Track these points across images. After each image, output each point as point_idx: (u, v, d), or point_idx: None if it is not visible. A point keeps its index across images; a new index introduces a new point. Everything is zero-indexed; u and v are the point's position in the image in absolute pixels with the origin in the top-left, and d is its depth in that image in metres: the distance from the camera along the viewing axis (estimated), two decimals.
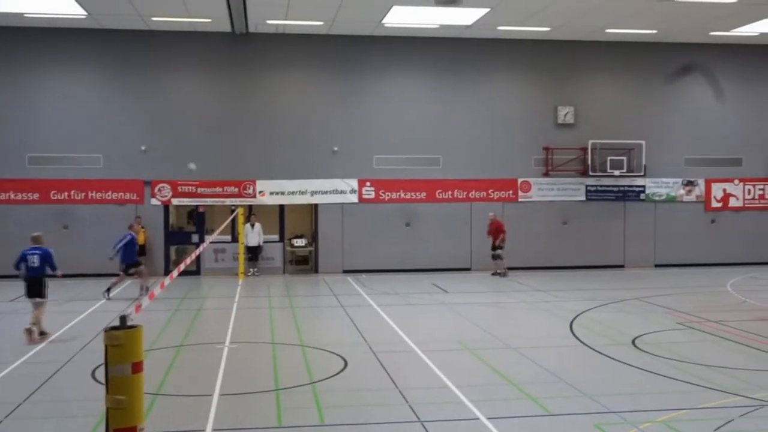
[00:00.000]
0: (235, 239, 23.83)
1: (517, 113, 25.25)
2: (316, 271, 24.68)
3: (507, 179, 25.16)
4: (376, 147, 24.56)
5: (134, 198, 23.53)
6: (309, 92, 24.57)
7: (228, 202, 24.10)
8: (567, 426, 8.85)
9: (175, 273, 11.07)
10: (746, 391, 10.06)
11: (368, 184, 24.52)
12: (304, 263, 25.37)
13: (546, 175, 25.32)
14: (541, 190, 25.35)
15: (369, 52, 24.53)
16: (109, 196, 23.43)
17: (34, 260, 13.89)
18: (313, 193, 24.32)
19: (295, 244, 24.82)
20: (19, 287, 14.63)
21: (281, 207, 24.75)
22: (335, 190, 24.36)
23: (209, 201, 24.07)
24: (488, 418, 8.94)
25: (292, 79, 24.59)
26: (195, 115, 23.86)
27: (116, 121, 23.48)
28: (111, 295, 18.86)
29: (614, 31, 23.92)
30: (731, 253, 26.11)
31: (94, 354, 12.17)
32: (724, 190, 26.33)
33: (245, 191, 24.01)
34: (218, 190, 23.91)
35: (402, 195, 24.68)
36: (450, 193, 24.90)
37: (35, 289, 13.80)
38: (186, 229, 25.10)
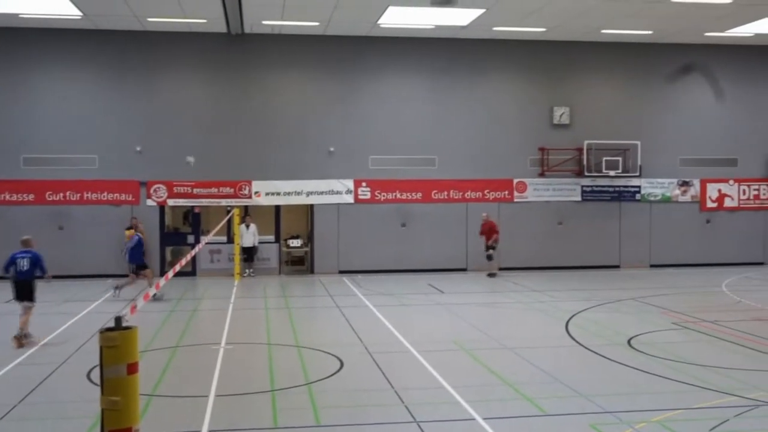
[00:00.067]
0: (230, 240, 23.82)
1: (513, 114, 25.28)
2: (311, 271, 24.67)
3: (503, 180, 25.18)
4: (371, 147, 24.56)
5: (130, 199, 23.50)
6: (305, 93, 24.56)
7: (224, 202, 24.08)
8: (563, 426, 8.85)
9: (170, 274, 11.06)
10: (742, 391, 10.08)
11: (364, 184, 24.52)
12: (300, 264, 25.37)
13: (542, 175, 25.35)
14: (537, 190, 25.37)
15: (365, 53, 24.53)
16: (104, 197, 23.39)
17: (24, 264, 13.70)
18: (308, 193, 24.31)
19: (291, 245, 24.81)
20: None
21: (277, 208, 24.74)
22: (331, 191, 24.36)
23: (205, 202, 24.05)
24: (484, 419, 8.94)
25: (288, 80, 24.58)
26: (190, 116, 23.84)
27: (112, 122, 23.45)
28: (120, 294, 18.77)
29: (610, 32, 23.96)
30: (726, 253, 26.16)
31: (89, 355, 12.14)
32: (719, 191, 26.38)
33: (241, 192, 24.00)
34: (214, 190, 23.89)
35: (398, 195, 24.69)
36: (446, 193, 24.91)
37: (25, 293, 13.65)
38: (182, 230, 25.08)
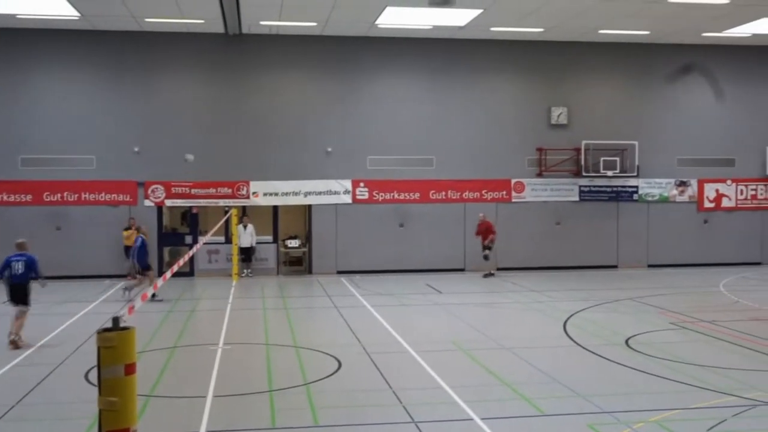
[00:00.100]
0: (228, 240, 23.82)
1: (511, 114, 25.29)
2: (309, 272, 24.67)
3: (500, 180, 25.19)
4: (369, 148, 24.57)
5: (127, 199, 23.48)
6: (302, 93, 24.55)
7: (221, 203, 24.07)
8: (561, 426, 8.86)
9: (168, 274, 11.05)
10: (739, 391, 10.09)
11: (362, 184, 24.52)
12: (298, 264, 25.36)
13: (539, 175, 25.36)
14: (535, 190, 25.38)
15: (362, 53, 24.53)
16: (102, 197, 23.37)
17: (19, 267, 13.57)
18: (306, 194, 24.31)
19: (289, 245, 24.81)
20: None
21: (275, 208, 24.74)
22: (329, 191, 24.36)
23: (203, 202, 24.04)
24: (482, 419, 8.95)
25: (286, 80, 24.57)
26: (188, 116, 23.83)
27: (109, 123, 23.43)
28: (129, 294, 18.71)
29: (607, 32, 23.97)
30: (724, 253, 26.19)
31: (87, 356, 12.13)
32: (717, 191, 26.41)
33: (239, 192, 23.99)
34: (212, 191, 23.88)
35: (396, 196, 24.69)
36: (444, 193, 24.92)
37: (19, 296, 13.51)
38: (179, 231, 25.06)
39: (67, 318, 16.23)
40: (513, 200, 25.30)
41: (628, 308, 17.38)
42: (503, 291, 20.63)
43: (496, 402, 9.82)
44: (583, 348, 13.04)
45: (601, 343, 13.39)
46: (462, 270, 24.81)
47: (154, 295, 17.85)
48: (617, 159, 25.19)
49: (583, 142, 25.18)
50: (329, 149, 24.35)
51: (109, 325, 5.55)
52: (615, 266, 25.80)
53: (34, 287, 13.76)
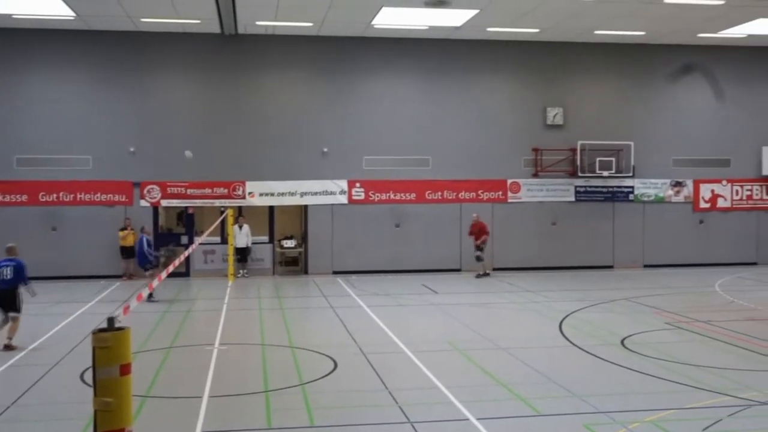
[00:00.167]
0: (224, 241, 23.79)
1: (507, 114, 25.30)
2: (305, 272, 24.66)
3: (496, 180, 25.20)
4: (365, 148, 24.56)
5: (123, 200, 23.44)
6: (298, 93, 24.55)
7: (217, 203, 24.04)
8: (557, 426, 8.87)
9: (163, 275, 11.05)
10: (735, 391, 10.11)
11: (358, 185, 24.52)
12: (294, 264, 25.34)
13: (535, 176, 25.38)
14: (531, 190, 25.40)
15: (358, 54, 24.53)
16: (98, 197, 23.33)
17: (7, 272, 13.28)
18: (302, 194, 24.29)
19: (285, 246, 24.80)
20: None
21: (271, 208, 24.72)
22: (325, 191, 24.35)
23: (198, 202, 24.01)
24: (478, 419, 8.95)
25: (282, 81, 24.57)
26: (184, 117, 23.81)
27: (105, 123, 23.39)
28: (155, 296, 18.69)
29: (603, 33, 24.00)
30: (719, 253, 26.23)
31: (82, 356, 12.11)
32: (712, 191, 26.45)
33: (235, 192, 23.97)
34: (208, 191, 23.85)
35: (392, 196, 24.69)
36: (440, 194, 24.92)
37: (8, 302, 13.28)
38: (175, 231, 25.02)
39: (63, 318, 16.20)
40: (509, 200, 25.31)
41: (624, 308, 17.41)
42: (499, 291, 20.64)
43: (492, 402, 9.82)
44: (579, 348, 13.05)
45: (597, 343, 13.40)
46: (458, 270, 24.81)
47: (150, 296, 17.84)
48: (613, 159, 25.22)
49: (579, 143, 25.21)
50: (325, 149, 24.35)
51: (105, 325, 5.54)
52: (611, 266, 25.83)
53: (25, 295, 13.59)
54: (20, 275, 13.38)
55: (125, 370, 5.51)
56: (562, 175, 25.49)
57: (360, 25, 22.88)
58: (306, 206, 24.55)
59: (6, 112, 22.99)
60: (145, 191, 23.52)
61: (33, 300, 14.04)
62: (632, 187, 25.87)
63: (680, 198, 26.28)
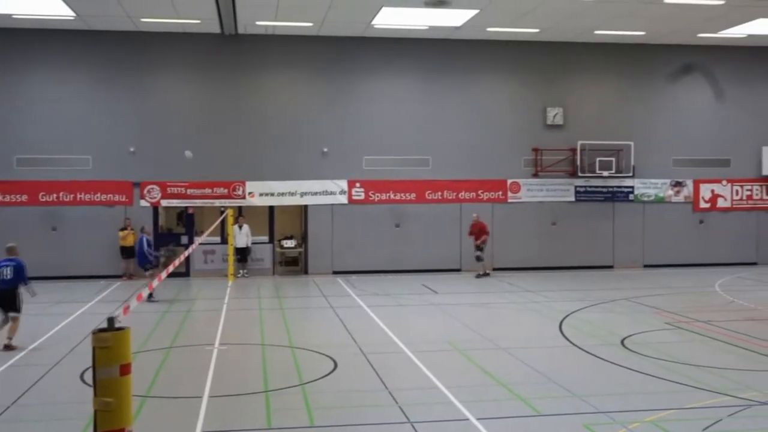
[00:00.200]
0: (224, 241, 23.79)
1: (507, 114, 25.30)
2: (305, 272, 24.66)
3: (496, 180, 25.20)
4: (365, 148, 24.56)
5: (123, 200, 23.44)
6: (299, 93, 24.56)
7: (217, 203, 24.04)
8: (557, 426, 8.87)
9: (163, 275, 11.05)
10: (735, 391, 10.11)
11: (358, 185, 24.52)
12: (294, 264, 25.34)
13: (535, 175, 25.38)
14: (531, 190, 25.40)
15: (359, 54, 24.53)
16: (98, 197, 23.33)
17: (7, 272, 13.26)
18: (302, 194, 24.29)
19: (285, 246, 24.80)
20: None
21: (271, 208, 24.72)
22: (325, 191, 24.34)
23: (198, 202, 24.01)
24: (478, 419, 8.95)
25: (282, 81, 24.57)
26: (184, 117, 23.81)
27: (105, 123, 23.39)
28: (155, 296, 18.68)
29: (603, 33, 24.00)
30: (719, 253, 26.23)
31: (82, 356, 12.11)
32: (712, 191, 26.45)
33: (235, 192, 23.97)
34: (207, 191, 23.85)
35: (392, 196, 24.69)
36: (440, 194, 24.92)
37: (9, 302, 13.26)
38: (175, 231, 25.02)
39: (63, 318, 16.20)
40: (509, 200, 25.31)
41: (624, 308, 17.40)
42: (499, 291, 20.64)
43: (492, 402, 9.82)
44: (579, 348, 13.05)
45: (597, 343, 13.40)
46: (458, 270, 24.81)
47: (150, 296, 17.85)
48: (613, 159, 25.22)
49: (579, 143, 25.21)
50: (325, 149, 24.35)
51: (105, 325, 5.54)
52: (611, 266, 25.83)
53: (25, 295, 13.58)
54: (20, 275, 13.36)
55: (125, 370, 5.51)
56: (562, 175, 25.49)
57: (360, 25, 22.88)
58: (306, 206, 24.55)
59: (6, 112, 22.99)
60: (145, 191, 23.52)
61: (33, 300, 14.04)
62: (632, 187, 25.87)
63: (680, 198, 26.28)
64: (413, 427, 8.79)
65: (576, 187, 25.64)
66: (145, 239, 19.91)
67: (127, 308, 6.74)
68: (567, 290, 20.52)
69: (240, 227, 23.65)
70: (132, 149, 23.43)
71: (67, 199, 23.14)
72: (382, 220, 24.64)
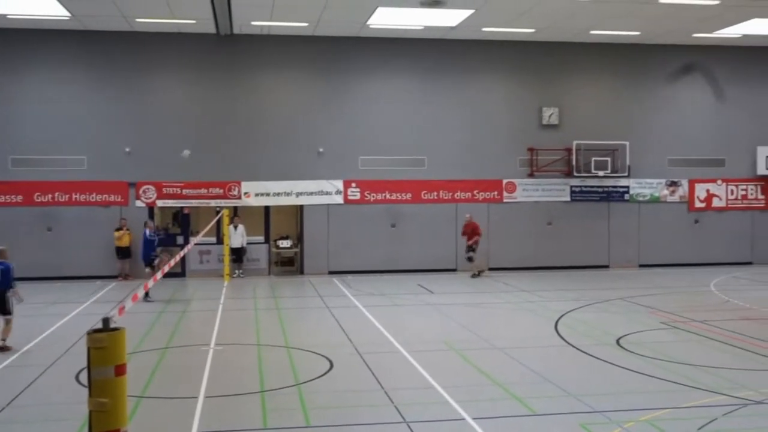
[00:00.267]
0: (220, 241, 23.77)
1: (502, 114, 25.32)
2: (301, 272, 24.65)
3: (492, 180, 25.22)
4: (361, 148, 24.56)
5: (119, 200, 23.41)
6: (294, 93, 24.55)
7: (213, 203, 24.02)
8: (552, 426, 8.87)
9: (159, 275, 11.04)
10: (730, 390, 10.13)
11: (354, 185, 24.52)
12: (290, 264, 25.32)
13: (531, 175, 25.40)
14: (526, 190, 25.42)
15: (354, 54, 24.53)
16: (93, 198, 23.29)
17: None
18: (298, 194, 24.28)
19: (281, 246, 24.78)
20: None
21: (266, 208, 24.71)
22: (321, 192, 24.34)
23: (194, 202, 23.99)
24: (474, 419, 8.96)
25: (278, 81, 24.55)
26: (180, 117, 23.78)
27: (100, 123, 23.36)
28: (149, 297, 18.60)
29: (599, 33, 24.04)
30: (714, 253, 26.28)
31: (78, 357, 12.08)
32: (708, 191, 26.50)
33: (230, 193, 23.95)
34: (203, 191, 23.83)
35: (387, 196, 24.69)
36: (435, 194, 24.93)
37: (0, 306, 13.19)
38: (171, 231, 24.99)
39: (58, 319, 16.16)
40: (504, 200, 25.33)
41: (619, 308, 17.43)
42: (495, 291, 20.65)
43: (488, 402, 9.83)
44: (575, 348, 13.07)
45: (593, 342, 13.42)
46: (454, 270, 24.82)
47: (147, 294, 17.84)
48: (608, 159, 25.26)
49: (575, 143, 25.24)
50: (321, 150, 24.34)
51: (100, 326, 5.53)
52: (606, 266, 25.86)
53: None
54: (6, 279, 13.18)
55: (120, 370, 5.49)
56: (558, 174, 25.52)
57: (355, 25, 22.88)
58: (302, 206, 24.54)
59: (1, 112, 22.93)
60: (140, 191, 23.49)
61: (29, 301, 14.02)
62: (627, 186, 25.91)
63: (675, 198, 26.33)
64: (409, 426, 8.79)
65: (571, 186, 25.67)
66: (147, 232, 19.87)
67: (122, 308, 6.74)
68: (562, 290, 20.54)
69: (235, 227, 23.63)
70: (127, 149, 23.39)
71: (63, 200, 23.11)
72: (377, 220, 24.64)
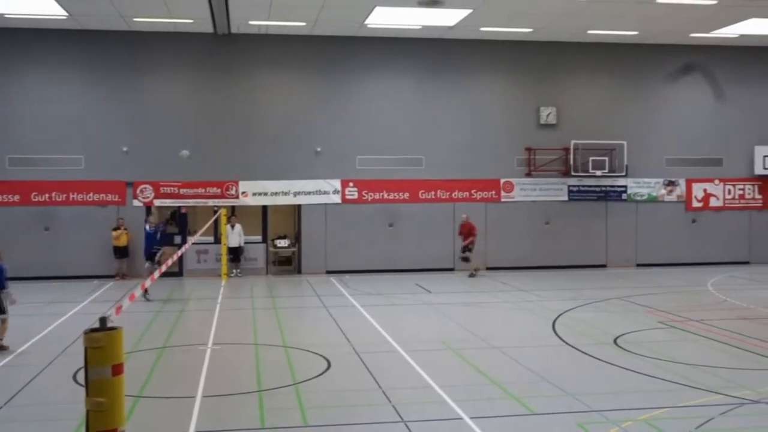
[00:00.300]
0: (217, 240, 23.76)
1: (500, 114, 25.33)
2: (299, 271, 24.64)
3: (490, 179, 25.23)
4: (359, 147, 24.56)
5: (116, 199, 23.39)
6: (292, 93, 24.54)
7: (210, 203, 24.01)
8: (550, 425, 8.87)
9: (156, 274, 11.03)
10: (727, 390, 10.13)
11: (351, 184, 24.51)
12: (287, 264, 25.32)
13: (528, 175, 25.41)
14: (524, 190, 25.43)
15: (352, 53, 24.52)
16: (90, 197, 23.27)
17: None
18: (296, 193, 24.27)
19: (278, 245, 24.77)
20: None
21: (264, 208, 24.70)
22: (318, 191, 24.33)
23: (191, 202, 23.98)
24: (471, 418, 8.96)
25: (275, 80, 24.54)
26: (177, 116, 23.76)
27: (98, 122, 23.34)
28: (149, 296, 18.61)
29: (596, 33, 24.05)
30: (712, 252, 26.31)
31: (75, 357, 12.06)
32: (705, 190, 26.53)
33: (228, 192, 23.94)
34: (201, 191, 23.82)
35: (385, 195, 24.69)
36: (433, 193, 24.94)
37: None
38: (168, 231, 24.93)
39: (55, 318, 16.13)
40: (502, 200, 25.34)
41: (617, 307, 17.44)
42: (492, 290, 20.66)
43: (486, 401, 9.83)
44: (572, 347, 13.07)
45: (590, 342, 13.42)
46: (451, 270, 24.82)
47: (146, 293, 17.84)
48: (606, 159, 25.27)
49: (572, 142, 25.26)
50: (318, 149, 24.33)
51: (97, 325, 5.52)
52: (604, 266, 25.88)
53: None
54: (1, 279, 13.14)
55: (117, 370, 5.49)
56: (555, 174, 25.53)
57: (353, 25, 22.87)
58: (299, 206, 24.54)
59: None
60: (138, 191, 23.47)
61: (26, 300, 13.99)
62: (625, 186, 25.93)
63: (673, 197, 26.35)
64: (407, 426, 8.79)
65: (569, 186, 25.68)
66: (147, 227, 19.86)
67: (119, 308, 6.73)
68: (560, 289, 20.55)
69: (232, 227, 23.62)
70: (125, 149, 23.37)
71: (60, 199, 23.08)
72: (375, 219, 24.64)
